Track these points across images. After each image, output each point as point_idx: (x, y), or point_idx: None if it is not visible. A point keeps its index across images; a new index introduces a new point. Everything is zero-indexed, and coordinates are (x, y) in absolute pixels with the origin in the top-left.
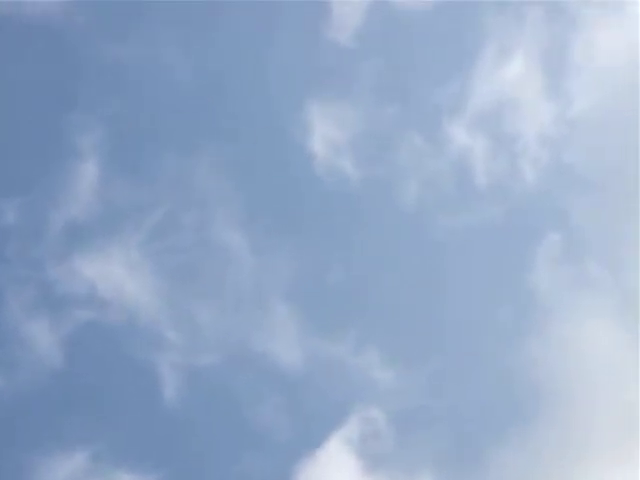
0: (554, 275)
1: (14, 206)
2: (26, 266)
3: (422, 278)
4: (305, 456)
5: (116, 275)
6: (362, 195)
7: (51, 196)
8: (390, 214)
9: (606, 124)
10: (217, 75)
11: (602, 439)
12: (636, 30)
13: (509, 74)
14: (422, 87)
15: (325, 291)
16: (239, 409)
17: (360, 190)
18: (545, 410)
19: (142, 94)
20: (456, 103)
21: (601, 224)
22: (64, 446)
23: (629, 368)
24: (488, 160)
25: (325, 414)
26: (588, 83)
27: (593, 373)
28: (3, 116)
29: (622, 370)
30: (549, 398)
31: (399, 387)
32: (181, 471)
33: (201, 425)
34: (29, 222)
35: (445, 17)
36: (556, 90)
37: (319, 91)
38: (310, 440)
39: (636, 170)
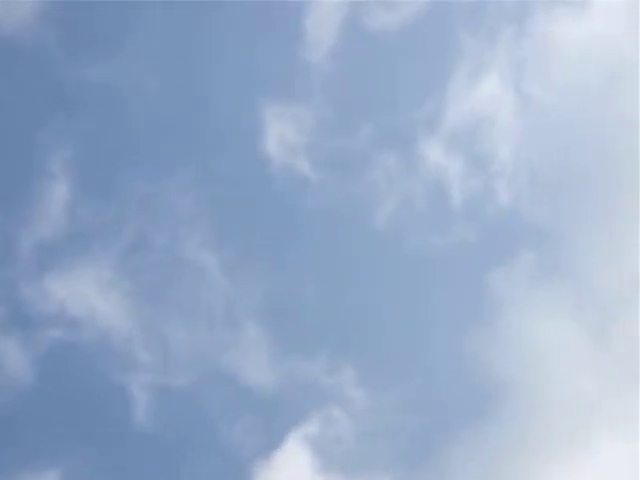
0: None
1: None
2: None
3: (395, 297)
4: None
5: (87, 295)
6: (336, 214)
7: (21, 216)
8: (364, 233)
9: (582, 140)
10: (187, 95)
11: (557, 433)
12: (610, 44)
13: (483, 93)
14: (396, 106)
15: (297, 310)
16: (211, 429)
17: (335, 209)
18: (501, 406)
19: (112, 114)
20: (430, 122)
21: (575, 240)
22: (34, 466)
23: (583, 362)
24: (463, 179)
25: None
26: (562, 98)
27: (547, 368)
28: None
29: (576, 364)
30: (505, 395)
31: (373, 405)
32: None
33: (172, 445)
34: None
35: (419, 36)
36: (530, 107)
37: (288, 112)
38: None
39: (614, 185)
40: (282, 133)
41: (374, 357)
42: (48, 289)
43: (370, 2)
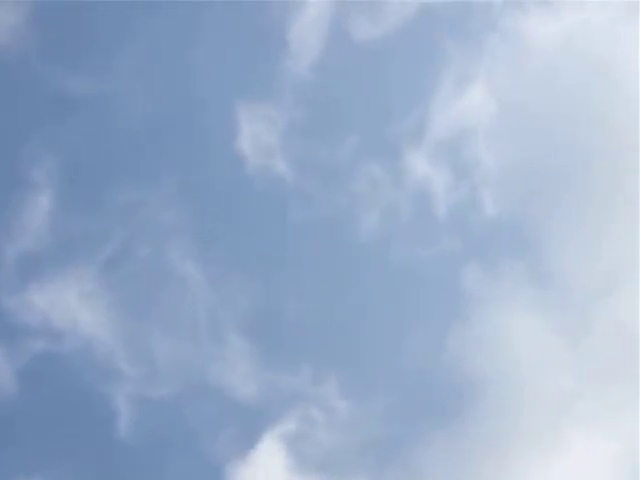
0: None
1: None
2: None
3: (380, 309)
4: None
5: (70, 306)
6: (320, 225)
7: (4, 227)
8: (348, 244)
9: (570, 146)
10: (171, 105)
11: (530, 432)
12: (594, 53)
13: (468, 103)
14: (381, 117)
15: (281, 322)
16: (194, 442)
17: (319, 220)
18: (475, 406)
19: (95, 125)
20: (415, 133)
21: (551, 239)
22: (16, 477)
23: (557, 361)
24: (448, 190)
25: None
26: (548, 107)
27: (519, 366)
28: None
29: (550, 363)
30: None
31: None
32: None
33: (155, 457)
34: None
35: (403, 47)
36: (517, 118)
37: (269, 120)
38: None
39: (600, 196)
40: (264, 143)
41: (358, 368)
42: (31, 300)
43: (355, 12)
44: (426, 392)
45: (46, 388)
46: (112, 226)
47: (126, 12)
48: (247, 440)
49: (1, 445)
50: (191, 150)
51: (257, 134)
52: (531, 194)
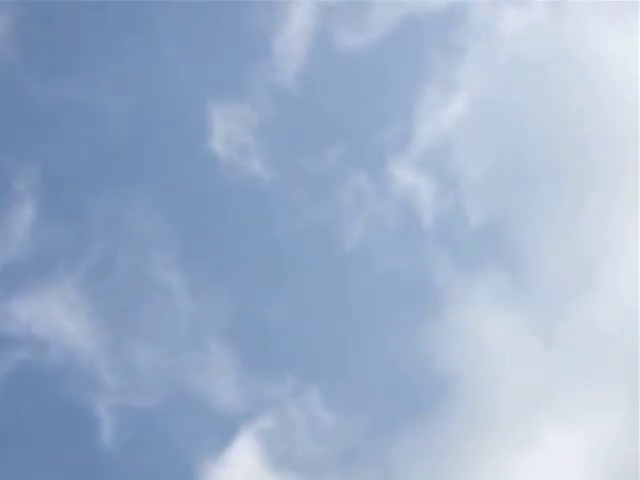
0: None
1: None
2: None
3: (365, 319)
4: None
5: (53, 316)
6: (305, 235)
7: None
8: (333, 255)
9: (553, 160)
10: (151, 117)
11: (502, 426)
12: (579, 63)
13: (453, 113)
14: (366, 127)
15: (264, 332)
16: (177, 452)
17: (304, 231)
18: (447, 402)
19: (77, 137)
20: (400, 143)
21: (524, 236)
22: None
23: (528, 355)
24: (434, 200)
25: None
26: (531, 117)
27: (492, 359)
28: None
29: (521, 358)
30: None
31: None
32: None
33: (138, 467)
34: None
35: (388, 56)
36: (499, 128)
37: (243, 126)
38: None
39: (573, 194)
40: (242, 149)
41: (341, 379)
42: (13, 311)
43: (340, 21)
44: (407, 396)
45: (29, 398)
46: (94, 237)
47: (111, 23)
48: (226, 448)
49: None
50: (171, 159)
51: (232, 136)
52: (511, 198)
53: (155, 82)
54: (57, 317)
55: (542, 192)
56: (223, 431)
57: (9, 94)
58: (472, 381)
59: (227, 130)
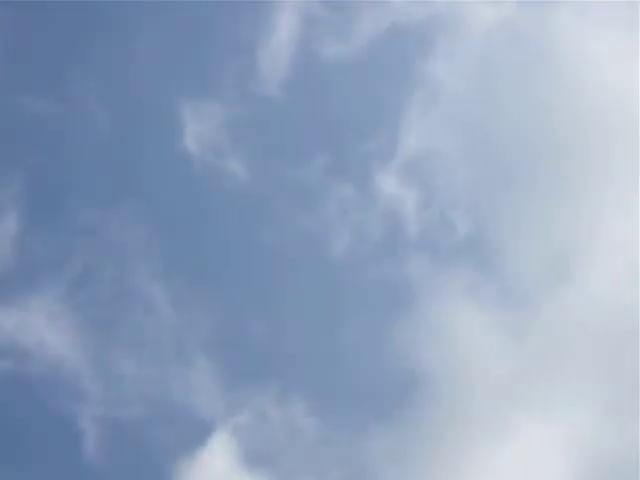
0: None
1: None
2: None
3: (348, 329)
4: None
5: (36, 327)
6: (290, 246)
7: None
8: (318, 265)
9: (528, 158)
10: (136, 129)
11: (476, 419)
12: (569, 72)
13: (438, 122)
14: (351, 137)
15: (246, 342)
16: (160, 462)
17: (289, 242)
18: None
19: (61, 147)
20: (385, 153)
21: (500, 234)
22: None
23: (502, 349)
24: (418, 210)
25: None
26: (516, 125)
27: (466, 354)
28: None
29: (495, 352)
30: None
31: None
32: None
33: (121, 477)
34: None
35: (373, 66)
36: (483, 137)
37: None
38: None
39: (546, 189)
40: (224, 162)
41: (324, 387)
42: None
43: (325, 31)
44: (382, 396)
45: (12, 408)
46: (77, 248)
47: (90, 30)
48: (203, 457)
49: None
50: (154, 169)
51: (216, 146)
52: (488, 197)
53: (140, 90)
54: (40, 328)
55: (515, 189)
56: (206, 441)
57: None
58: (447, 376)
59: (210, 139)
